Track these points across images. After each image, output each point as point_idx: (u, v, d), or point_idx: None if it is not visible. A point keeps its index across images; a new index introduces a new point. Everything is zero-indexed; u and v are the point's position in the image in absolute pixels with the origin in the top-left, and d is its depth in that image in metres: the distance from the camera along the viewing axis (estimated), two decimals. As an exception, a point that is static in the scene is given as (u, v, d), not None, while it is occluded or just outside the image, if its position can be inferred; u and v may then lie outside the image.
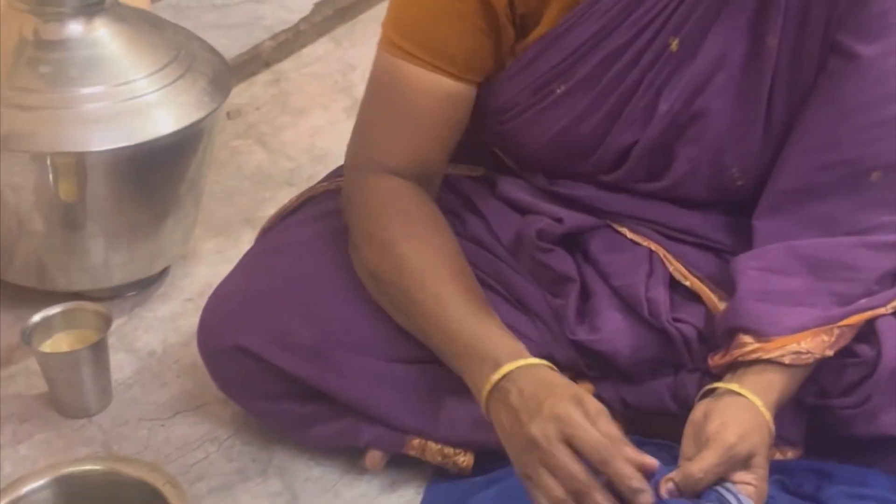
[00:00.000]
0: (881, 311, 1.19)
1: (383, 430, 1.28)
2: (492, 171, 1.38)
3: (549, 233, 1.30)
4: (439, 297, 1.17)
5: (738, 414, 1.10)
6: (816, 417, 1.23)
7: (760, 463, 1.07)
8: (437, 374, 1.23)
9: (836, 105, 1.19)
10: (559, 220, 1.30)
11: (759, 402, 1.11)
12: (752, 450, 1.07)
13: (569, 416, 1.02)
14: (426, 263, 1.19)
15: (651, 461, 1.02)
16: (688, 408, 1.20)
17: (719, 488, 1.04)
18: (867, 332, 1.20)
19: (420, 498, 1.29)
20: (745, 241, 1.27)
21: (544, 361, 1.11)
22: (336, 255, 1.28)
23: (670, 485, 1.04)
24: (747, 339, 1.16)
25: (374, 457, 1.31)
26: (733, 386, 1.13)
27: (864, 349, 1.19)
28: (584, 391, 1.07)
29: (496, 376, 1.08)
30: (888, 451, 1.22)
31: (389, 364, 1.26)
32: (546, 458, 1.02)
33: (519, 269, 1.32)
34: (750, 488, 1.05)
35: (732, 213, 1.31)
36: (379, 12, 2.00)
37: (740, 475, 1.06)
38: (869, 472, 1.22)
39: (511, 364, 1.09)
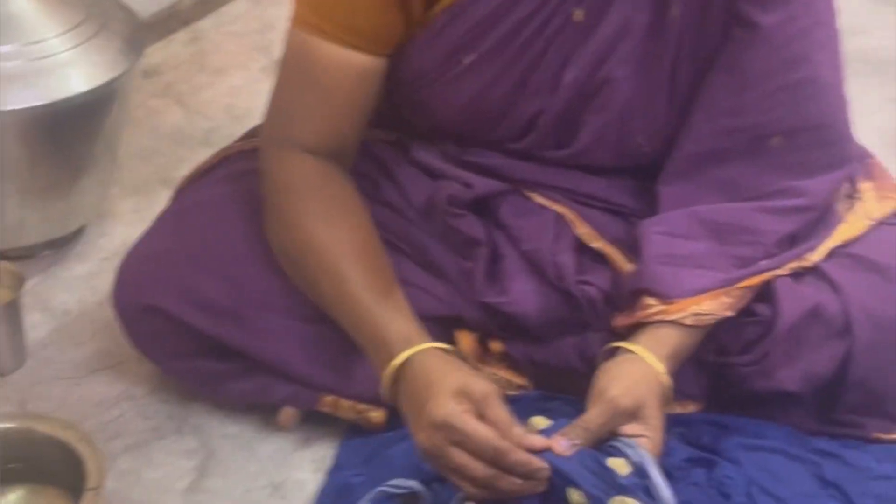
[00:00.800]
0: (779, 272, 1.24)
1: (297, 388, 1.30)
2: (406, 136, 1.40)
3: (459, 198, 1.32)
4: (342, 279, 1.19)
5: (626, 368, 1.15)
6: (717, 374, 1.28)
7: (651, 414, 1.11)
8: (350, 332, 1.26)
9: (739, 72, 1.23)
10: (469, 186, 1.33)
11: (650, 356, 1.15)
12: (638, 401, 1.11)
13: (451, 421, 1.04)
14: (332, 244, 1.21)
15: (541, 441, 1.06)
16: (593, 367, 1.25)
17: (613, 442, 1.09)
18: (765, 293, 1.25)
19: (334, 453, 1.32)
20: (651, 205, 1.31)
21: (435, 344, 1.13)
22: (250, 216, 1.29)
23: (562, 441, 1.07)
24: (651, 301, 1.20)
25: (287, 414, 1.33)
26: (629, 344, 1.17)
27: (763, 309, 1.24)
28: (468, 377, 1.08)
29: (390, 369, 1.11)
30: (784, 405, 1.27)
31: (302, 323, 1.27)
32: (444, 461, 1.05)
33: (431, 232, 1.34)
34: (643, 440, 1.09)
35: (639, 179, 1.35)
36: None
37: (631, 427, 1.10)
38: (766, 425, 1.27)
39: (402, 355, 1.11)
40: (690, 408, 1.29)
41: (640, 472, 1.06)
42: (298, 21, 1.24)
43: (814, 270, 1.26)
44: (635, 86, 1.26)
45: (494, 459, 1.03)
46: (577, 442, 1.06)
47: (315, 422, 1.35)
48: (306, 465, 1.32)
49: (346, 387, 1.28)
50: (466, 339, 1.32)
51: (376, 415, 1.29)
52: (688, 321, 1.18)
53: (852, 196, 1.33)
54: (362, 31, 1.22)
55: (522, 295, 1.28)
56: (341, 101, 1.25)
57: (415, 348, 1.11)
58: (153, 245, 1.33)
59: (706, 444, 1.25)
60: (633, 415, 1.11)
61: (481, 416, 1.05)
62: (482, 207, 1.34)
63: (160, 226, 1.35)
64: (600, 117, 1.28)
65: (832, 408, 1.26)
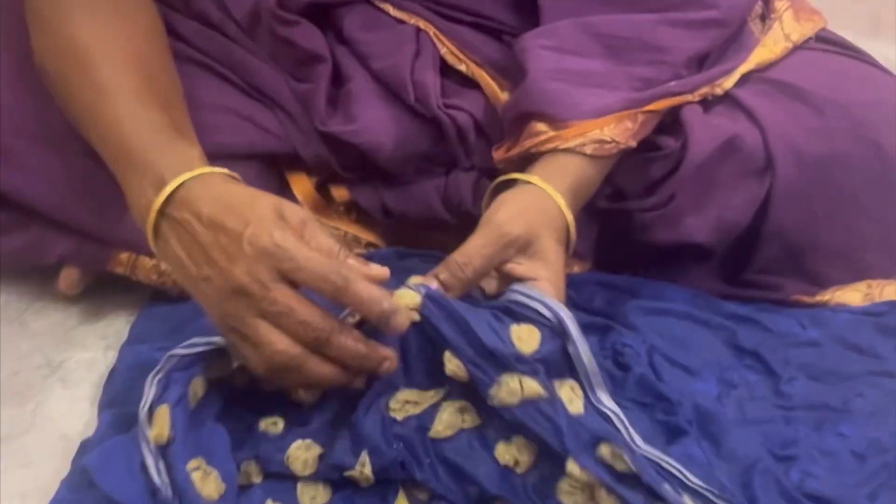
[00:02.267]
0: (689, 97, 1.01)
1: (80, 242, 1.00)
2: None
3: (293, 2, 1.05)
4: (104, 87, 0.88)
5: (518, 195, 0.91)
6: (609, 225, 1.05)
7: (548, 249, 0.88)
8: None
9: None
10: None
11: (547, 186, 0.91)
12: (531, 231, 0.87)
13: (280, 245, 0.76)
14: (96, 44, 0.90)
15: (380, 270, 0.78)
16: (460, 214, 1.01)
17: (511, 295, 0.84)
18: (670, 124, 1.02)
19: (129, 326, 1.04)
20: (529, 22, 1.06)
21: (221, 170, 0.83)
22: (16, 37, 0.98)
23: (434, 283, 0.83)
24: (541, 126, 0.96)
25: (69, 276, 1.04)
26: (522, 175, 0.93)
27: (668, 141, 1.02)
28: (280, 199, 0.80)
29: (160, 198, 0.80)
30: (689, 262, 1.06)
31: (85, 159, 0.95)
32: (263, 305, 0.76)
33: (256, 50, 1.06)
34: (542, 283, 0.85)
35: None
36: None
37: (524, 266, 0.87)
38: (665, 286, 1.05)
39: (177, 179, 0.80)
40: (576, 268, 1.06)
41: (549, 338, 0.82)
42: None
43: (727, 98, 1.03)
44: None
45: (335, 290, 0.75)
46: (454, 282, 0.82)
47: (108, 288, 1.06)
48: (94, 341, 1.03)
49: (145, 241, 0.98)
50: (302, 184, 1.06)
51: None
52: (588, 150, 0.94)
53: (767, 16, 1.11)
54: None
55: (375, 122, 1.02)
56: None
57: (199, 170, 0.81)
58: None
59: (598, 308, 1.02)
60: (524, 247, 0.87)
61: None
62: (321, 18, 1.07)
63: None
64: None
65: (745, 265, 1.05)
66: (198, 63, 1.04)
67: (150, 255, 0.97)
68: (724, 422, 0.86)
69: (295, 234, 0.77)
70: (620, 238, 1.05)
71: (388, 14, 1.08)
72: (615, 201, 1.03)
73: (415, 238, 1.07)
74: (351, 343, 0.77)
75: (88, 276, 1.05)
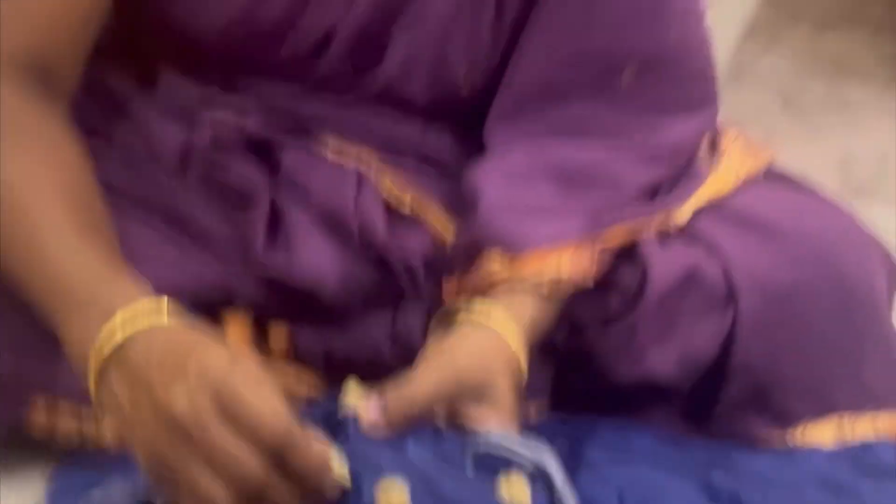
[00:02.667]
0: (644, 224, 0.98)
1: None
2: (152, 70, 1.05)
3: (227, 139, 1.00)
4: (38, 225, 0.82)
5: (472, 335, 0.85)
6: (565, 363, 0.99)
7: (503, 397, 0.82)
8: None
9: None
10: (240, 124, 1.00)
11: (506, 329, 0.86)
12: (489, 376, 0.82)
13: (233, 380, 0.69)
14: (23, 181, 0.84)
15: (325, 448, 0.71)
16: (407, 354, 0.94)
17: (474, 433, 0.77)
18: (627, 258, 0.98)
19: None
20: (473, 158, 1.02)
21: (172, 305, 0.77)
22: None
23: (373, 412, 0.77)
24: (495, 259, 0.91)
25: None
26: (479, 306, 0.87)
27: (627, 274, 0.97)
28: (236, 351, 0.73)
29: (106, 331, 0.73)
30: (650, 399, 1.00)
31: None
32: (199, 442, 0.68)
33: (188, 186, 1.00)
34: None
35: (459, 131, 1.07)
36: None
37: (478, 412, 0.80)
38: (628, 428, 0.99)
39: (129, 309, 0.74)
40: (531, 410, 0.99)
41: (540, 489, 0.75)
42: None
43: (684, 230, 1.00)
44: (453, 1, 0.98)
45: (282, 445, 0.68)
46: (397, 417, 0.75)
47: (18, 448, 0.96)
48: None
49: (64, 381, 0.89)
50: (237, 324, 0.98)
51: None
52: (544, 290, 0.90)
53: (715, 149, 1.09)
54: None
55: (316, 259, 0.95)
56: (52, 8, 0.92)
57: (152, 302, 0.75)
58: None
59: (560, 455, 0.94)
60: (479, 392, 0.81)
61: None
62: (258, 154, 1.02)
63: None
64: (411, 36, 0.99)
65: (710, 403, 1.00)
66: (123, 197, 0.97)
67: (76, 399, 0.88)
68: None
69: (248, 382, 0.69)
70: (579, 376, 0.99)
71: (328, 150, 1.03)
72: (573, 337, 0.98)
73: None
74: (287, 497, 0.69)
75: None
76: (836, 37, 2.28)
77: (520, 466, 0.76)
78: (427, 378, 0.79)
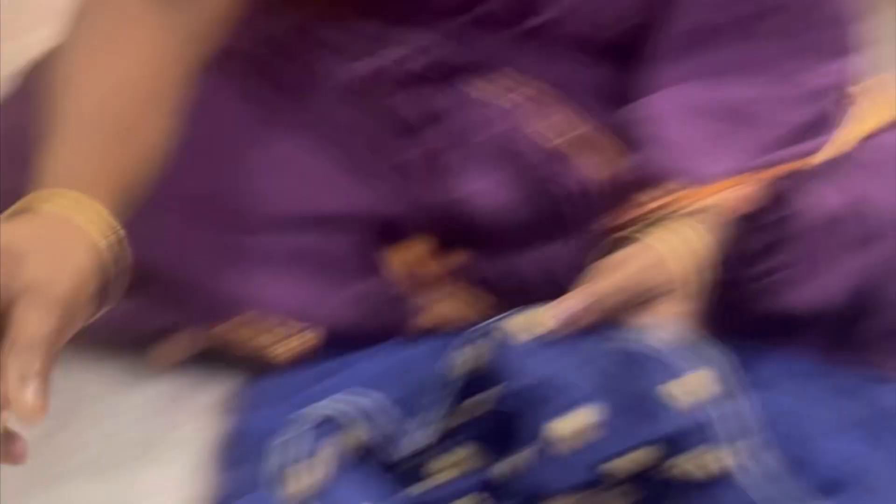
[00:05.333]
0: (800, 166, 1.02)
1: (188, 310, 0.99)
2: (312, 20, 1.10)
3: (388, 74, 1.06)
4: (61, 111, 0.82)
5: (649, 250, 0.92)
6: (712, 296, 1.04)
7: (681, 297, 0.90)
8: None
9: None
10: (401, 64, 1.06)
11: (677, 252, 0.92)
12: (668, 278, 0.90)
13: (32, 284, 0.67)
14: (83, 68, 0.84)
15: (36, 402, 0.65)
16: (556, 286, 0.98)
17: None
18: (773, 194, 1.02)
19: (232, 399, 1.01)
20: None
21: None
22: None
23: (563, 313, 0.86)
24: (666, 187, 0.97)
25: (171, 349, 1.01)
26: (645, 237, 0.93)
27: (773, 209, 1.01)
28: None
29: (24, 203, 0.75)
30: (791, 333, 1.04)
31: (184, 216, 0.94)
32: None
33: (356, 116, 1.07)
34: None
35: (611, 70, 1.11)
36: None
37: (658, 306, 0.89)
38: (770, 355, 1.03)
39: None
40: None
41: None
42: None
43: (829, 167, 1.04)
44: None
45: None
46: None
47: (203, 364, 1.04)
48: (185, 420, 1.01)
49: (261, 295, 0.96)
50: (402, 254, 1.04)
51: (310, 336, 0.98)
52: (713, 220, 0.96)
53: (854, 95, 1.13)
54: None
55: (480, 189, 1.02)
56: None
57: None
58: None
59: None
60: (657, 293, 0.90)
61: None
62: (420, 90, 1.07)
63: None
64: None
65: (850, 336, 1.04)
66: (287, 131, 1.04)
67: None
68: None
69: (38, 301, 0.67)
70: (723, 307, 1.04)
71: (487, 94, 1.08)
72: (720, 270, 1.03)
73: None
74: None
75: (189, 350, 1.02)
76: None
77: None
78: (611, 274, 0.87)
